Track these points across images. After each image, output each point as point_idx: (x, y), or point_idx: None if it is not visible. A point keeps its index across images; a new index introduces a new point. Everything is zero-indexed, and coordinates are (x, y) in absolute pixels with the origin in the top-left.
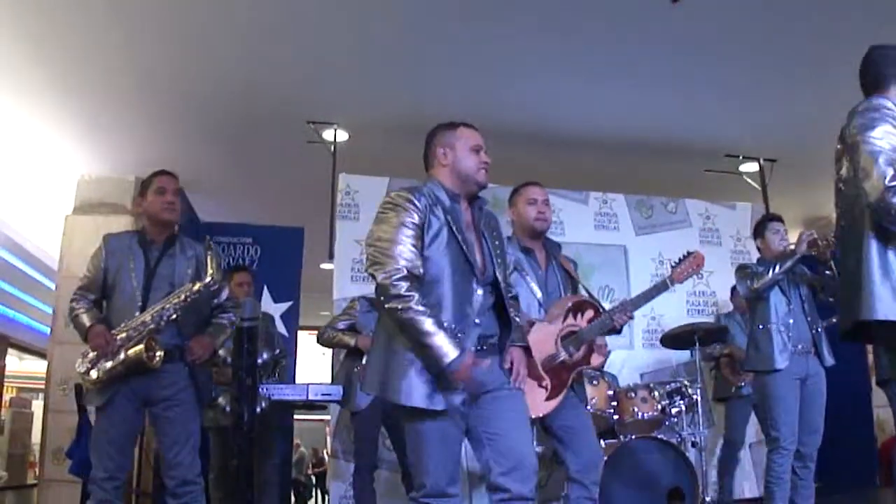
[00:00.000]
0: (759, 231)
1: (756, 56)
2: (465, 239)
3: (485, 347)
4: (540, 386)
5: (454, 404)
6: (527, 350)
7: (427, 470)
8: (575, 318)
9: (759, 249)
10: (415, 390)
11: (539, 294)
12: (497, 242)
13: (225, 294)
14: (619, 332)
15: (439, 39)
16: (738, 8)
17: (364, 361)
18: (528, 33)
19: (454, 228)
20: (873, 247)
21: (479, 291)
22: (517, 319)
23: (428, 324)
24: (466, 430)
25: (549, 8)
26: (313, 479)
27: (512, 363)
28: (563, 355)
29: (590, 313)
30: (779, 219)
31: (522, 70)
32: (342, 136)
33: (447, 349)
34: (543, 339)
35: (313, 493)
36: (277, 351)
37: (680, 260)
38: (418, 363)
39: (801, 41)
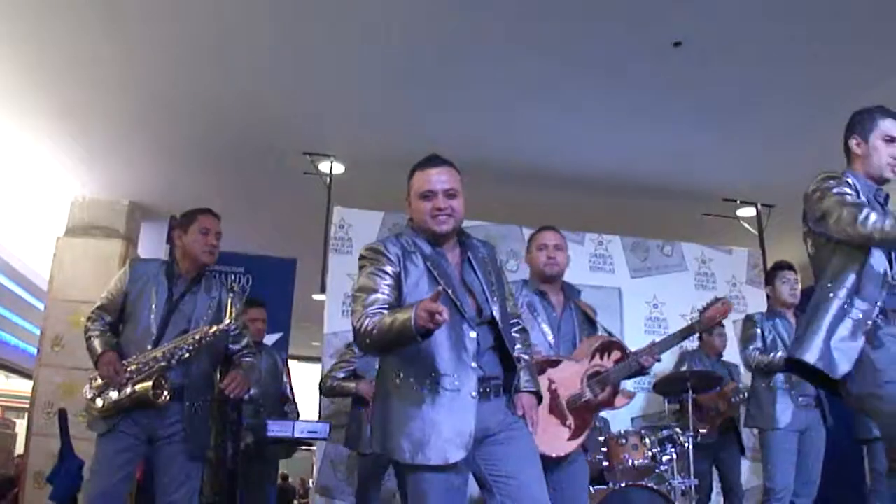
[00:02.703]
0: (769, 279)
1: (755, 102)
2: (450, 283)
3: (488, 390)
4: (564, 425)
5: (460, 457)
6: (537, 394)
7: None
8: (601, 358)
9: (767, 297)
10: (419, 447)
11: (551, 336)
12: (493, 278)
13: (245, 340)
14: (647, 373)
15: (438, 77)
16: (738, 54)
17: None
18: (528, 74)
19: (435, 274)
20: (833, 306)
21: (473, 334)
22: (526, 356)
23: (385, 320)
24: (475, 476)
25: (549, 49)
26: None
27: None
28: (588, 395)
29: (616, 354)
30: (790, 267)
31: (521, 110)
32: (338, 168)
33: (405, 318)
34: (570, 378)
35: None
36: (287, 391)
37: (708, 305)
38: (416, 419)
39: (800, 89)
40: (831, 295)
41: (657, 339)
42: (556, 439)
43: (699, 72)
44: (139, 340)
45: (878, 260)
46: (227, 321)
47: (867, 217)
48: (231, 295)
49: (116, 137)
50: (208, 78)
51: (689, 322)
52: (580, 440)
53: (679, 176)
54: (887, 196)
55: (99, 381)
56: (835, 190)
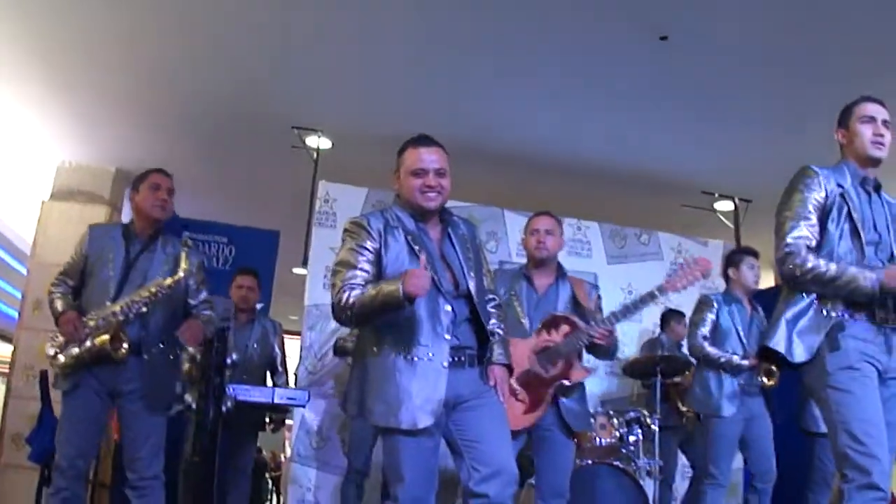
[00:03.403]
0: (734, 261)
1: (739, 98)
2: (428, 257)
3: (462, 359)
4: (517, 399)
5: (428, 422)
6: (509, 367)
7: (403, 482)
8: (549, 333)
9: (727, 278)
10: (391, 411)
11: (524, 318)
12: (471, 255)
13: (203, 295)
14: (608, 348)
15: (427, 59)
16: (723, 51)
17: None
18: (515, 61)
19: (415, 248)
20: (803, 299)
21: (448, 307)
22: (500, 331)
23: (369, 292)
24: (447, 441)
25: (536, 38)
26: (270, 482)
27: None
28: (536, 369)
29: (565, 328)
30: (756, 255)
31: (508, 95)
32: (325, 143)
33: (392, 289)
34: (518, 354)
35: (270, 497)
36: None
37: (680, 267)
38: (390, 385)
39: (783, 86)
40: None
41: (616, 309)
42: (511, 414)
43: (684, 66)
44: (98, 298)
45: (844, 250)
46: (179, 273)
47: (796, 258)
48: (185, 249)
49: (104, 105)
50: (198, 48)
51: (657, 287)
52: (537, 414)
53: (660, 167)
54: (877, 182)
55: (60, 338)
56: (799, 193)
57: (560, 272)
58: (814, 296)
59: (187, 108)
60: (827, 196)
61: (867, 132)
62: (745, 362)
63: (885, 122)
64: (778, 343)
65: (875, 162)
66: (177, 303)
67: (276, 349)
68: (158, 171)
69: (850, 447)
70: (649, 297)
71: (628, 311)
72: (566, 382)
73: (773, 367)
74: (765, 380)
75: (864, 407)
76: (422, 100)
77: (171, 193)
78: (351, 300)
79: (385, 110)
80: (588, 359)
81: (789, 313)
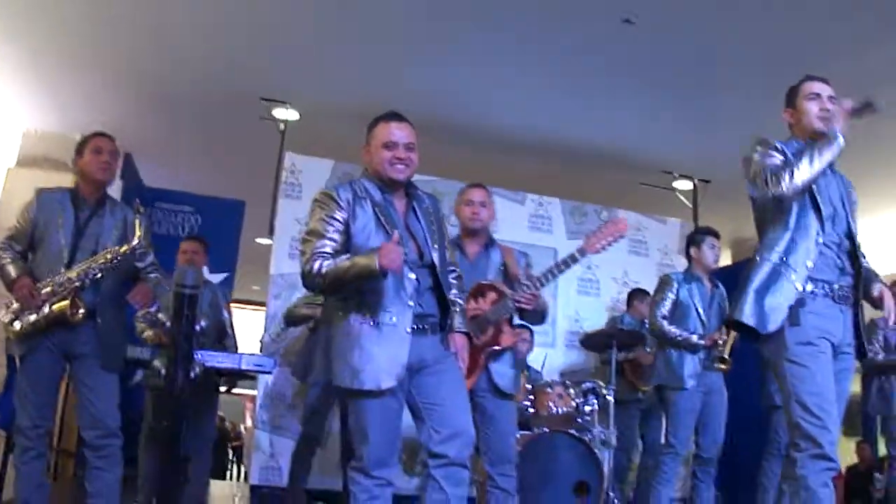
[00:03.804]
0: (695, 241)
1: (699, 80)
2: (394, 228)
3: (425, 326)
4: None
5: (391, 384)
6: (468, 335)
7: (368, 442)
8: (477, 301)
9: (689, 258)
10: (355, 373)
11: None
12: (434, 227)
13: (150, 258)
14: (531, 311)
15: (397, 33)
16: (685, 34)
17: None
18: (483, 37)
19: (382, 220)
20: (765, 268)
21: (413, 276)
22: (460, 300)
23: (342, 264)
24: (409, 405)
25: (502, 17)
26: (231, 452)
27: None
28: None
29: (492, 296)
30: (717, 235)
31: (474, 71)
32: (293, 115)
33: (366, 262)
34: None
35: (231, 466)
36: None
37: (598, 228)
38: (356, 349)
39: (744, 70)
40: (765, 256)
41: (539, 273)
42: None
43: (648, 48)
44: (51, 264)
45: (809, 223)
46: (134, 241)
47: (785, 169)
48: (137, 215)
49: (71, 70)
50: (168, 15)
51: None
52: (471, 380)
53: (621, 145)
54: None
55: (15, 304)
56: (758, 154)
57: (489, 240)
58: (777, 261)
59: (154, 77)
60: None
61: (814, 108)
62: (702, 342)
63: (830, 98)
64: (749, 317)
65: (822, 136)
66: (127, 267)
67: (225, 313)
68: (100, 134)
69: (804, 418)
70: (571, 260)
71: (552, 274)
72: (497, 348)
73: (726, 356)
74: (720, 366)
75: (818, 382)
76: (388, 74)
77: (113, 156)
78: (323, 269)
79: (352, 84)
80: (546, 330)
81: (757, 282)
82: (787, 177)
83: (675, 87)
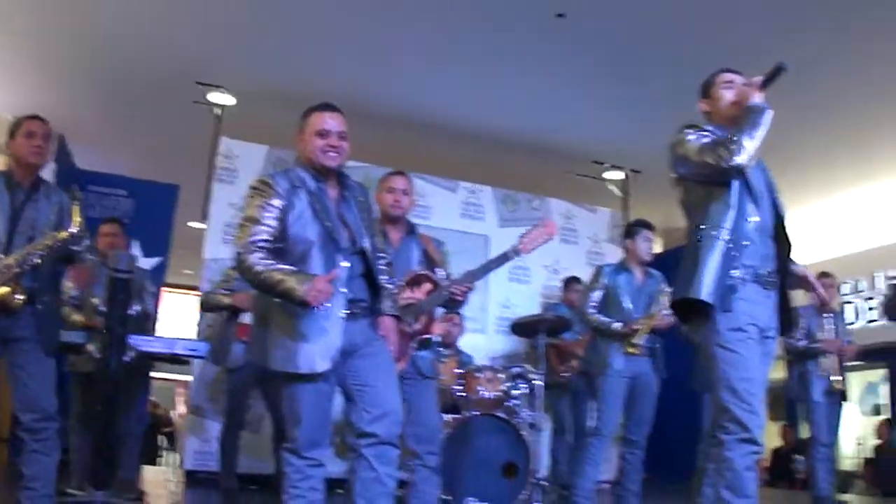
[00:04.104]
0: (631, 233)
1: (631, 73)
2: (328, 216)
3: (356, 311)
4: None
5: (325, 367)
6: (397, 318)
7: (300, 424)
8: (412, 290)
9: (625, 250)
10: (290, 357)
11: None
12: (365, 214)
13: (86, 242)
14: (462, 303)
15: (332, 23)
16: (617, 28)
17: (240, 320)
18: (419, 26)
19: (317, 208)
20: (718, 247)
21: (345, 263)
22: (390, 285)
23: (274, 275)
24: (341, 387)
25: (437, 5)
26: (165, 439)
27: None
28: (401, 325)
29: (427, 286)
30: (651, 227)
31: (409, 59)
32: (229, 100)
33: (296, 287)
34: None
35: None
36: (141, 309)
37: (529, 230)
38: (290, 333)
39: (673, 64)
40: (713, 234)
41: (473, 269)
42: None
43: (580, 42)
44: None
45: (744, 204)
46: (74, 228)
47: (732, 141)
48: (75, 202)
49: (2, 53)
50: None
51: (508, 249)
52: (400, 366)
53: (554, 136)
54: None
55: None
56: (692, 135)
57: (411, 228)
58: (727, 239)
59: (88, 58)
60: None
61: (729, 95)
62: (624, 330)
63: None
64: (710, 295)
65: (745, 111)
66: (63, 251)
67: (148, 298)
68: (34, 117)
69: (733, 403)
70: (504, 258)
71: (486, 269)
72: (427, 337)
73: (634, 341)
74: (630, 350)
75: (748, 367)
76: (324, 61)
77: (47, 140)
78: (257, 268)
79: (288, 70)
80: (477, 316)
81: (713, 260)
82: (736, 147)
83: (608, 79)
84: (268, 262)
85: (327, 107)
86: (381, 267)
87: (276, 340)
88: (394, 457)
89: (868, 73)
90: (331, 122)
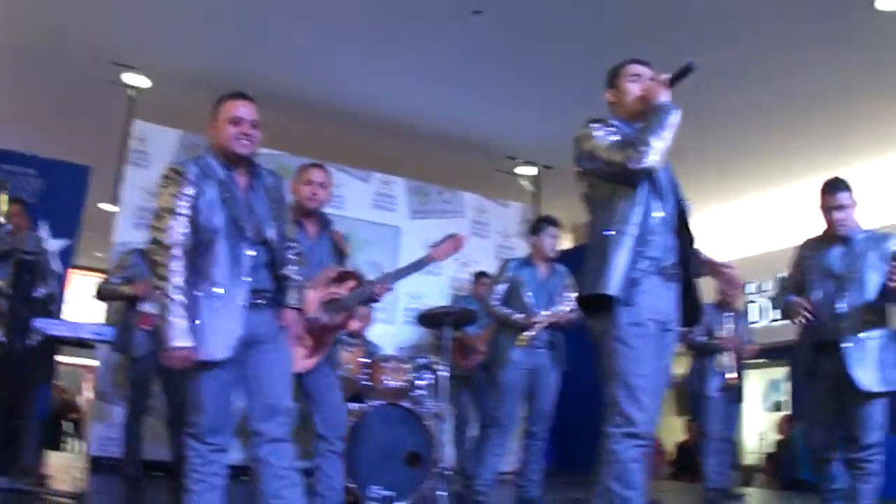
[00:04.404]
0: (536, 229)
1: (546, 71)
2: (235, 205)
3: (259, 301)
4: (301, 345)
5: (225, 356)
6: (301, 311)
7: (202, 411)
8: (338, 286)
9: (530, 245)
10: (197, 345)
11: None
12: (275, 205)
13: (9, 228)
14: (377, 301)
15: (249, 9)
16: (531, 24)
17: (140, 308)
18: (335, 16)
19: (225, 196)
20: (626, 243)
21: (251, 252)
22: (298, 277)
23: (176, 309)
24: (243, 378)
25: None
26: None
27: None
28: (324, 318)
29: (351, 283)
30: (557, 224)
31: (325, 50)
32: (144, 82)
33: (178, 335)
34: (307, 302)
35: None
36: (48, 291)
37: (441, 240)
38: (192, 320)
39: (583, 62)
40: (621, 231)
41: (391, 271)
42: (295, 356)
43: (495, 37)
44: None
45: (649, 199)
46: (1, 218)
47: (639, 143)
48: (5, 191)
49: None
50: None
51: (423, 256)
52: (318, 358)
53: (469, 130)
54: None
55: None
56: (599, 130)
57: (325, 220)
58: (636, 235)
59: None
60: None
61: (636, 89)
62: (525, 321)
63: (651, 80)
64: (619, 290)
65: (652, 109)
66: None
67: (52, 280)
68: None
69: (623, 397)
70: (419, 264)
71: (403, 273)
72: (347, 331)
73: (523, 336)
74: (518, 342)
75: (644, 363)
76: (239, 48)
77: None
78: (169, 275)
79: (204, 55)
80: (386, 307)
81: (621, 255)
82: (645, 149)
83: (522, 75)
84: (178, 282)
85: (240, 95)
86: (290, 257)
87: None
88: (288, 452)
89: (776, 83)
90: (243, 110)
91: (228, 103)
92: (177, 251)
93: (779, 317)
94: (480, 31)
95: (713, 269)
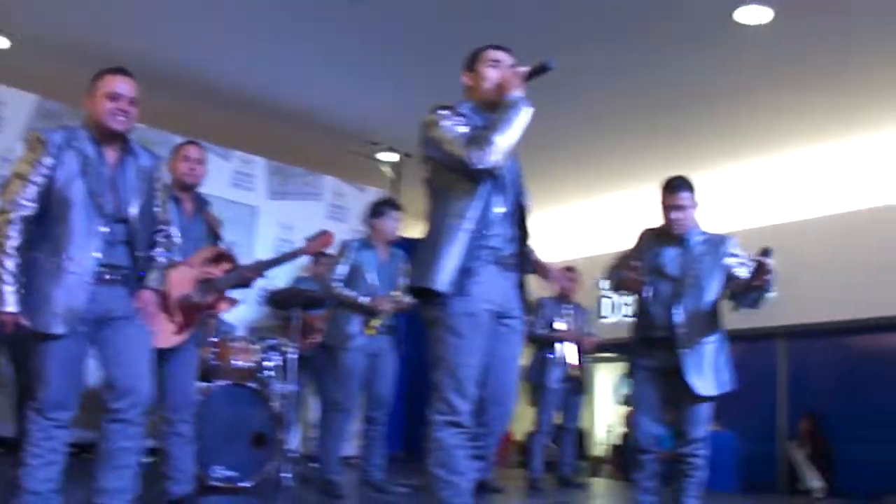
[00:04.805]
0: (377, 211)
1: (412, 59)
2: (97, 179)
3: (114, 277)
4: (171, 321)
5: (62, 330)
6: (159, 292)
7: (46, 384)
8: (213, 266)
9: (370, 227)
10: (31, 314)
11: (178, 239)
12: (145, 184)
13: None
14: (248, 286)
15: None
16: (400, 15)
17: None
18: None
19: (87, 170)
20: (462, 237)
21: (104, 228)
22: (162, 259)
23: (6, 276)
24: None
25: None
26: None
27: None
28: (195, 297)
29: (226, 265)
30: (398, 208)
31: (188, 20)
32: (2, 42)
33: (5, 300)
34: (182, 280)
35: None
36: None
37: (315, 236)
38: (36, 291)
39: (448, 53)
40: (457, 224)
41: (264, 259)
42: (163, 333)
43: (366, 25)
44: None
45: (490, 192)
46: None
47: (484, 140)
48: None
49: None
50: None
51: (296, 248)
52: (185, 335)
53: (331, 112)
54: None
55: None
56: (446, 119)
57: (201, 199)
58: (471, 229)
59: None
60: None
61: (493, 75)
62: (370, 304)
63: (511, 66)
64: (446, 284)
65: (503, 103)
66: None
67: None
68: None
69: (450, 386)
70: (291, 255)
71: (276, 262)
72: (216, 311)
73: (371, 323)
74: (369, 330)
75: (473, 353)
76: (110, 16)
77: None
78: (6, 238)
79: (71, 22)
80: None
81: (452, 250)
82: (488, 148)
83: (388, 60)
84: (14, 244)
85: (121, 71)
86: (159, 239)
87: (24, 293)
88: (135, 433)
89: (634, 84)
90: (123, 86)
91: (108, 78)
92: (14, 217)
93: (630, 313)
94: (351, 16)
95: (541, 270)
